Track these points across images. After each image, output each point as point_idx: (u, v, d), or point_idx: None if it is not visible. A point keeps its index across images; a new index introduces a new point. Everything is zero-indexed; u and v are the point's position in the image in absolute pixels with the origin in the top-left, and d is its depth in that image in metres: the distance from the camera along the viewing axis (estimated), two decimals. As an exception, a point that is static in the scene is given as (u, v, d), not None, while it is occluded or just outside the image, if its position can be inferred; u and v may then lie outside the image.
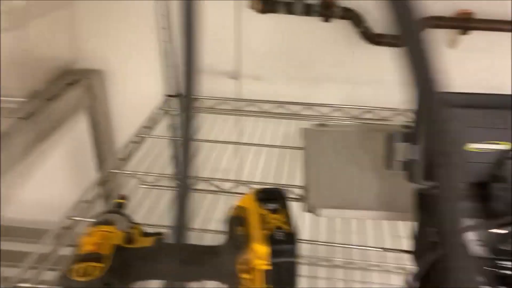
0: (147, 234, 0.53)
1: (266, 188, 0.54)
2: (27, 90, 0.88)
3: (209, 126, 0.92)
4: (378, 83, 1.01)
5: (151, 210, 0.65)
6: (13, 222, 1.30)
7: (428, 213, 0.52)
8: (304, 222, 0.64)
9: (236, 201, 0.52)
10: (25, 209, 1.31)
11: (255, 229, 0.46)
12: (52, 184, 1.26)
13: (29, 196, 1.29)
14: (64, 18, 0.97)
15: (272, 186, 0.71)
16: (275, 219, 0.48)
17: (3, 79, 0.84)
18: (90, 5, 1.01)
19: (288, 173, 0.75)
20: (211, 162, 0.79)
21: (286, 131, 0.90)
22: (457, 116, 0.50)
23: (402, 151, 0.54)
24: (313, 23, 0.95)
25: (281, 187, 0.71)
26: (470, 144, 0.51)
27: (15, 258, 1.13)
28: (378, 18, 0.94)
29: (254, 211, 0.49)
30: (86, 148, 1.16)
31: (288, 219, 0.49)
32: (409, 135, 0.54)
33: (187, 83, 0.18)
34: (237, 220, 0.49)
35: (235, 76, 1.04)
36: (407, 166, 0.54)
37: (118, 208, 0.58)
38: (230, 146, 0.86)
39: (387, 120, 0.95)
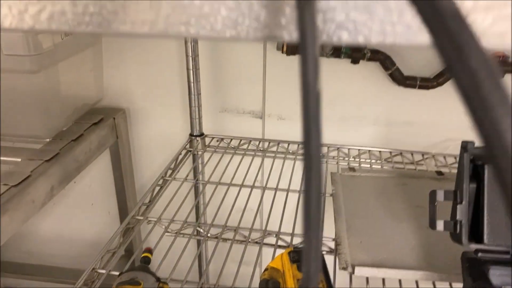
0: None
1: (300, 248, 0.51)
2: (53, 130, 0.88)
3: (234, 166, 0.90)
4: (407, 125, 0.98)
5: (178, 260, 0.63)
6: (31, 256, 1.29)
7: (475, 278, 0.49)
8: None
9: (270, 262, 0.49)
10: (44, 243, 1.29)
11: (292, 297, 0.43)
12: (72, 220, 1.25)
13: (49, 230, 1.28)
14: (91, 57, 0.97)
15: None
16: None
17: (29, 121, 0.84)
18: (116, 45, 1.01)
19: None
20: (237, 202, 0.77)
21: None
22: None
23: (446, 210, 0.51)
24: (342, 64, 0.93)
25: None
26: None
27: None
28: (408, 60, 0.92)
29: (290, 275, 0.46)
30: (109, 185, 1.15)
31: (326, 283, 0.46)
32: (453, 193, 0.51)
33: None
34: (272, 284, 0.46)
35: (261, 115, 1.02)
36: (452, 226, 0.50)
37: (144, 263, 0.55)
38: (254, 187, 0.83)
39: (418, 164, 0.91)
